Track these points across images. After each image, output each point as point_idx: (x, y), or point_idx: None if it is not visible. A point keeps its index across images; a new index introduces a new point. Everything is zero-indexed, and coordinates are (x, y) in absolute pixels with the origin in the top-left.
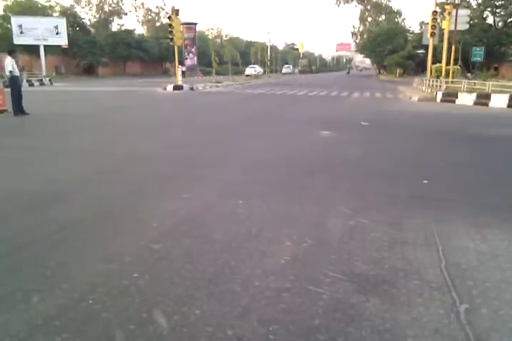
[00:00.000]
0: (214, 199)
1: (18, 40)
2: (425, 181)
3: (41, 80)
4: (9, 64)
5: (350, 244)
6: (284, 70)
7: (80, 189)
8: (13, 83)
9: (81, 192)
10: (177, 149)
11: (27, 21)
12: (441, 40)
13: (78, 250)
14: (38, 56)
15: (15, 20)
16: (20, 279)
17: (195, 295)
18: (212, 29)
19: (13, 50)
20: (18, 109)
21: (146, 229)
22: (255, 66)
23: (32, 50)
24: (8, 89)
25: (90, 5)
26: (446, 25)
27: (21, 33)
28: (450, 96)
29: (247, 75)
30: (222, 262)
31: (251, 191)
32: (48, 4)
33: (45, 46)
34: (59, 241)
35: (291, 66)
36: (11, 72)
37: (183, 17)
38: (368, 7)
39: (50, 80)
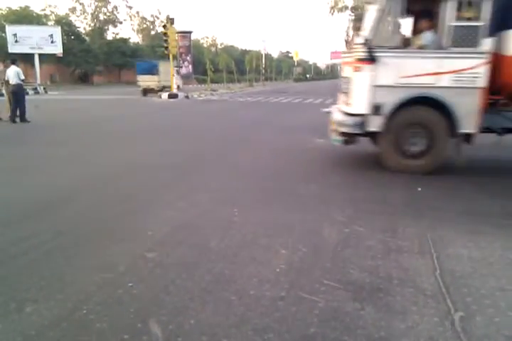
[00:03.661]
0: (209, 206)
1: (13, 48)
2: (419, 189)
3: (36, 89)
4: (18, 72)
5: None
6: None
7: (74, 197)
8: (21, 91)
9: (75, 200)
10: (171, 157)
11: (22, 30)
12: None
13: (72, 259)
14: (33, 65)
15: (10, 29)
16: (13, 289)
17: (190, 304)
18: (207, 37)
19: (15, 59)
20: (23, 115)
21: (141, 238)
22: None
23: (27, 58)
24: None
25: (85, 14)
26: None
27: (16, 41)
28: None
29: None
30: (218, 271)
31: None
32: (42, 13)
33: (40, 55)
34: (53, 250)
35: None
36: (23, 80)
37: (178, 25)
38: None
39: (44, 89)
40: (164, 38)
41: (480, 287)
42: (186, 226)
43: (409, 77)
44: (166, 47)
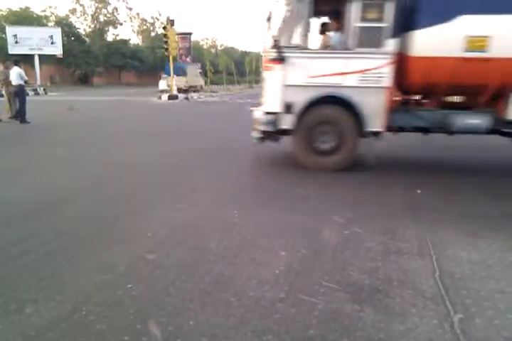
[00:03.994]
0: (209, 208)
1: (13, 49)
2: (419, 191)
3: (36, 90)
4: (21, 74)
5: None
6: None
7: (74, 198)
8: (22, 92)
9: (75, 201)
10: (171, 158)
11: (22, 31)
12: None
13: (72, 260)
14: (33, 66)
15: (10, 30)
16: (13, 289)
17: (189, 305)
18: (208, 39)
19: (17, 60)
20: (23, 117)
21: (141, 239)
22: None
23: (27, 59)
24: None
25: (85, 15)
26: None
27: (16, 42)
28: None
29: (161, 90)
30: (217, 272)
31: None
32: (43, 14)
33: (40, 56)
34: (53, 251)
35: None
36: (26, 81)
37: (178, 27)
38: None
39: (44, 90)
40: (164, 39)
41: (479, 289)
42: (186, 227)
43: (317, 76)
44: (166, 49)
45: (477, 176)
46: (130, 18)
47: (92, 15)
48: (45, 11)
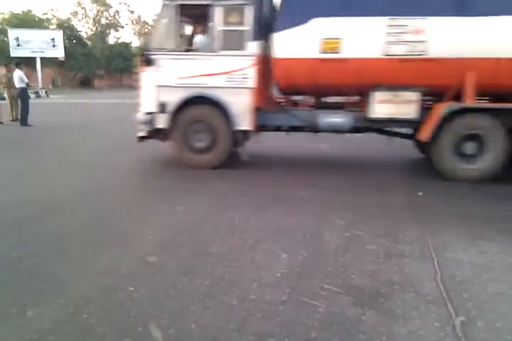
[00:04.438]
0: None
1: (15, 52)
2: (420, 193)
3: (37, 92)
4: (22, 76)
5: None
6: None
7: (74, 201)
8: (24, 94)
9: (76, 204)
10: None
11: (24, 34)
12: None
13: (73, 263)
14: (35, 68)
15: (12, 33)
16: (14, 293)
17: (190, 308)
18: None
19: (19, 62)
20: (25, 120)
21: (142, 242)
22: None
23: (28, 62)
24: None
25: (87, 18)
26: None
27: (18, 45)
28: None
29: None
30: (218, 275)
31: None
32: (44, 17)
33: (42, 58)
34: (54, 254)
35: None
36: (27, 84)
37: None
38: None
39: (46, 92)
40: None
41: (481, 292)
42: (187, 230)
43: (186, 78)
44: None
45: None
46: (132, 21)
47: (94, 18)
48: (46, 13)
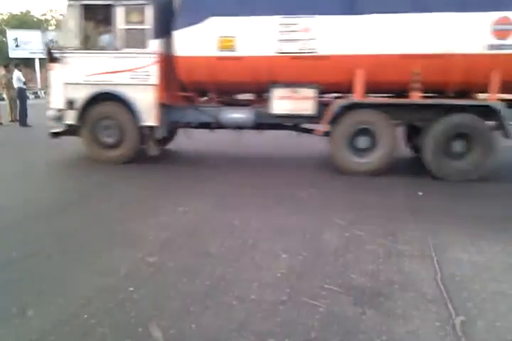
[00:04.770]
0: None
1: (13, 53)
2: (420, 193)
3: (36, 93)
4: (18, 77)
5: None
6: None
7: (74, 202)
8: (23, 95)
9: (76, 205)
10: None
11: (22, 35)
12: None
13: (73, 264)
14: (33, 69)
15: (10, 34)
16: (14, 293)
17: (191, 308)
18: None
19: (18, 63)
20: (24, 120)
21: (142, 242)
22: None
23: (27, 63)
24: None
25: None
26: None
27: (17, 46)
28: None
29: None
30: (218, 275)
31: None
32: (43, 18)
33: (41, 59)
34: (54, 254)
35: None
36: (25, 84)
37: None
38: None
39: (45, 93)
40: None
41: (481, 291)
42: (187, 230)
43: (92, 75)
44: None
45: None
46: None
47: None
48: (45, 14)
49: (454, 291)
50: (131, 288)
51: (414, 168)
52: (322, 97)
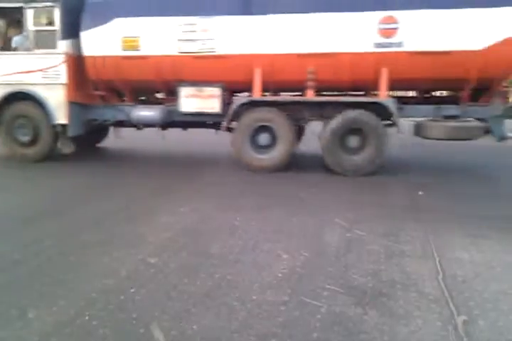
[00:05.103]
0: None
1: None
2: (420, 193)
3: None
4: None
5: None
6: None
7: (74, 204)
8: None
9: (75, 207)
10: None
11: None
12: None
13: (74, 265)
14: None
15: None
16: (15, 295)
17: (192, 309)
18: None
19: None
20: None
21: (143, 243)
22: None
23: None
24: None
25: None
26: None
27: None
28: None
29: None
30: (219, 276)
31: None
32: None
33: None
34: (54, 256)
35: None
36: None
37: None
38: None
39: None
40: None
41: (482, 291)
42: (188, 231)
43: (6, 75)
44: None
45: (477, 176)
46: None
47: None
48: None
49: (456, 291)
50: (133, 289)
51: (411, 167)
52: (236, 96)
